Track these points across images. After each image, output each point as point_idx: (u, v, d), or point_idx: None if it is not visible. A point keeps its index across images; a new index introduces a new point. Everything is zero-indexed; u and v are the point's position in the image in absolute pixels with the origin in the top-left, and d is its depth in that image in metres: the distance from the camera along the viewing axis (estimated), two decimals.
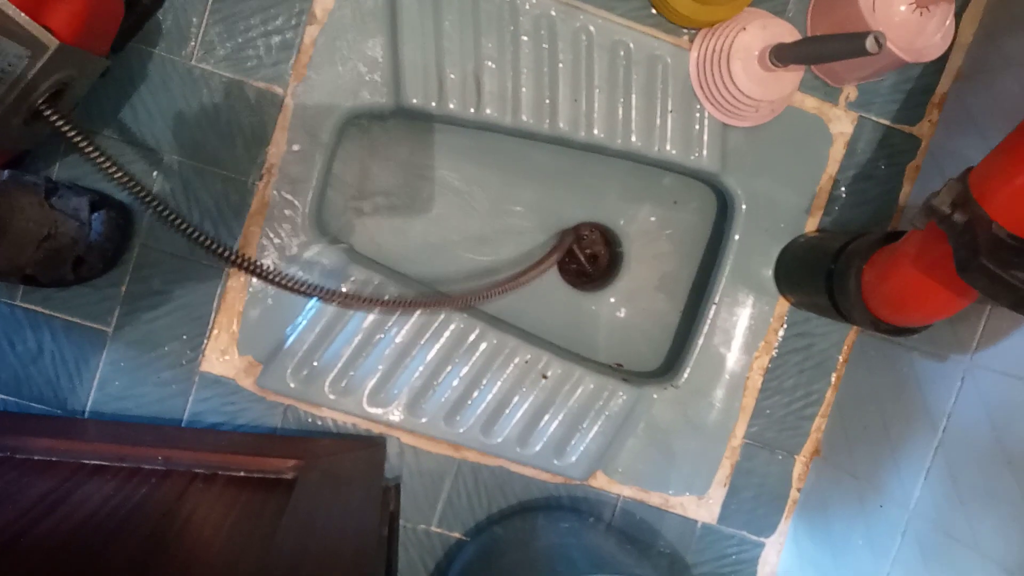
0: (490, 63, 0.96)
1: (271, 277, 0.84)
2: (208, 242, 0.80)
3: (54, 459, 0.81)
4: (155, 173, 0.92)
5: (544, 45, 0.97)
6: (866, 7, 0.90)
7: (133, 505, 0.76)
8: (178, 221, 0.78)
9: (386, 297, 0.95)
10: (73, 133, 0.70)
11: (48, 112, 0.70)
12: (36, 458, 0.81)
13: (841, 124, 1.03)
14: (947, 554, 0.81)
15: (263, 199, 0.94)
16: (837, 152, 1.04)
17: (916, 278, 0.78)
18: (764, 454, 1.06)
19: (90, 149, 0.71)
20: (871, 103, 1.03)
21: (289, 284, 0.85)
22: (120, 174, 0.73)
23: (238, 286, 0.94)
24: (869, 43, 0.77)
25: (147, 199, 0.76)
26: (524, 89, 0.97)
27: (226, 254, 0.81)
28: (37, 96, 0.69)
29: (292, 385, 0.95)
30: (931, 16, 0.92)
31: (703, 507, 1.06)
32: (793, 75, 0.95)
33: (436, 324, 0.98)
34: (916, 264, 0.77)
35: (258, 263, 0.83)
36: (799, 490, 1.07)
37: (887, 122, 1.04)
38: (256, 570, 0.68)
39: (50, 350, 0.93)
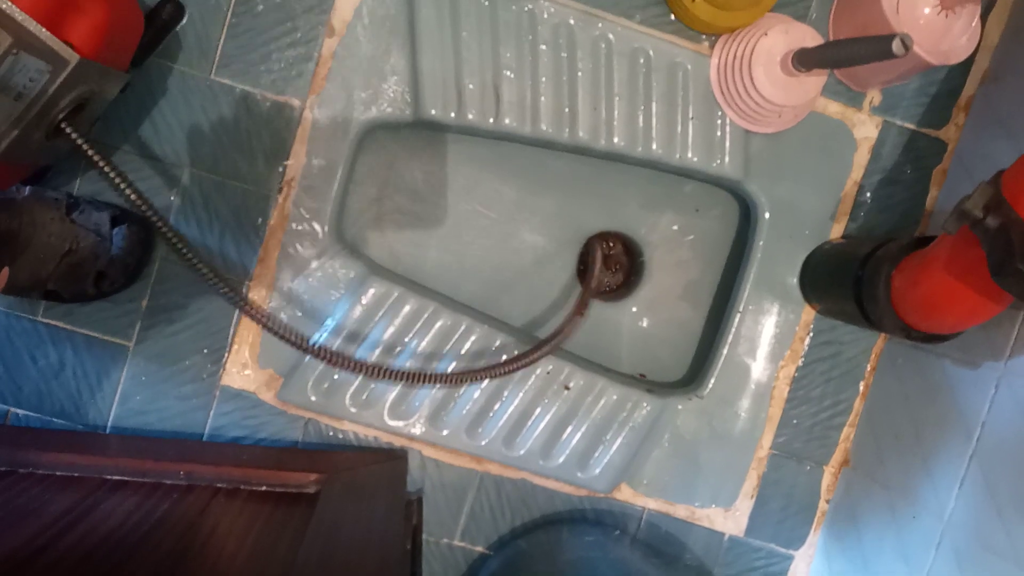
0: (509, 72, 0.95)
1: (269, 325, 0.83)
2: (213, 279, 0.79)
3: (76, 474, 0.81)
4: (175, 187, 0.92)
5: (563, 54, 0.96)
6: (890, 9, 0.89)
7: (155, 520, 0.76)
8: (188, 255, 0.78)
9: (412, 369, 0.92)
10: (91, 151, 0.70)
11: (68, 128, 0.70)
12: (58, 473, 0.80)
13: (865, 129, 1.02)
14: (985, 566, 0.79)
15: (283, 212, 0.94)
16: (862, 157, 1.02)
17: (948, 283, 0.76)
18: (792, 465, 1.04)
19: (107, 169, 0.70)
20: (896, 107, 1.02)
21: (288, 336, 0.83)
22: (135, 196, 0.72)
23: (258, 300, 0.94)
24: (895, 45, 0.76)
25: (160, 226, 0.75)
26: (543, 98, 0.96)
27: (229, 294, 0.80)
28: (58, 111, 0.69)
29: (313, 398, 0.95)
30: (957, 18, 0.90)
31: (730, 519, 1.04)
32: (816, 80, 0.94)
33: (457, 336, 0.97)
34: (948, 269, 0.76)
35: (259, 310, 0.82)
36: (828, 501, 1.05)
37: (912, 126, 1.02)
38: None
39: (72, 365, 0.93)
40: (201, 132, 0.92)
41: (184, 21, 0.90)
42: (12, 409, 0.93)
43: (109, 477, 0.81)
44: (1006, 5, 1.00)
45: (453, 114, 0.95)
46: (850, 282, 0.90)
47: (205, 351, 0.94)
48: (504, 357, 0.97)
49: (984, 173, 0.71)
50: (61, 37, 0.65)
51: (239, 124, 0.93)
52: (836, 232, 1.03)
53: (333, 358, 0.85)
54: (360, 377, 0.95)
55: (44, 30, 0.63)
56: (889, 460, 0.97)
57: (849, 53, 0.85)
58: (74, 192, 0.91)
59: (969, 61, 0.99)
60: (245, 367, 0.95)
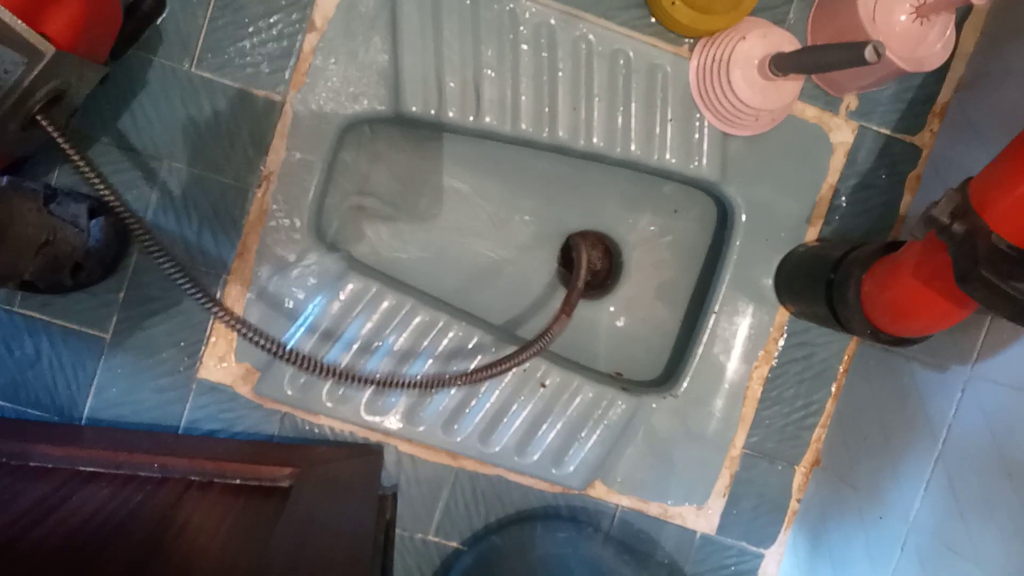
0: (490, 71, 0.96)
1: (243, 331, 0.78)
2: (188, 286, 0.75)
3: (49, 465, 0.81)
4: (153, 180, 0.92)
5: (544, 53, 0.97)
6: (866, 16, 0.90)
7: (128, 512, 0.76)
8: (161, 256, 0.74)
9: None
10: (66, 145, 0.70)
11: (43, 121, 0.70)
12: (32, 464, 0.80)
13: (842, 133, 1.03)
14: (947, 567, 0.81)
15: (262, 206, 0.94)
16: (838, 161, 1.03)
17: (916, 288, 0.77)
18: (764, 464, 1.06)
19: (81, 164, 0.70)
20: (872, 112, 1.03)
21: (264, 344, 0.78)
22: (107, 192, 0.71)
23: (236, 293, 0.94)
24: (868, 53, 0.77)
25: (133, 223, 0.73)
26: (524, 97, 0.97)
27: (204, 301, 0.76)
28: (34, 103, 0.69)
29: (289, 392, 0.95)
30: (932, 25, 0.92)
31: (702, 517, 1.05)
32: (793, 84, 0.95)
33: (434, 332, 0.98)
34: (916, 274, 0.77)
35: (235, 317, 0.77)
36: (799, 500, 1.07)
37: (888, 131, 1.04)
38: None
39: (48, 356, 0.93)
40: (180, 125, 0.92)
41: (165, 14, 0.90)
42: None
43: (83, 468, 0.81)
44: (980, 14, 1.01)
45: (433, 111, 0.96)
46: (823, 285, 0.92)
47: (182, 344, 0.95)
48: (480, 358, 0.98)
49: (956, 179, 0.72)
50: (37, 29, 0.65)
51: (219, 118, 0.93)
52: (811, 235, 1.04)
53: (307, 363, 0.81)
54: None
55: (19, 22, 0.63)
56: (858, 461, 0.99)
57: (824, 59, 0.86)
58: (52, 183, 0.90)
59: (944, 68, 1.00)
60: (222, 360, 0.95)
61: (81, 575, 0.66)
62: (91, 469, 0.82)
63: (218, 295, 0.94)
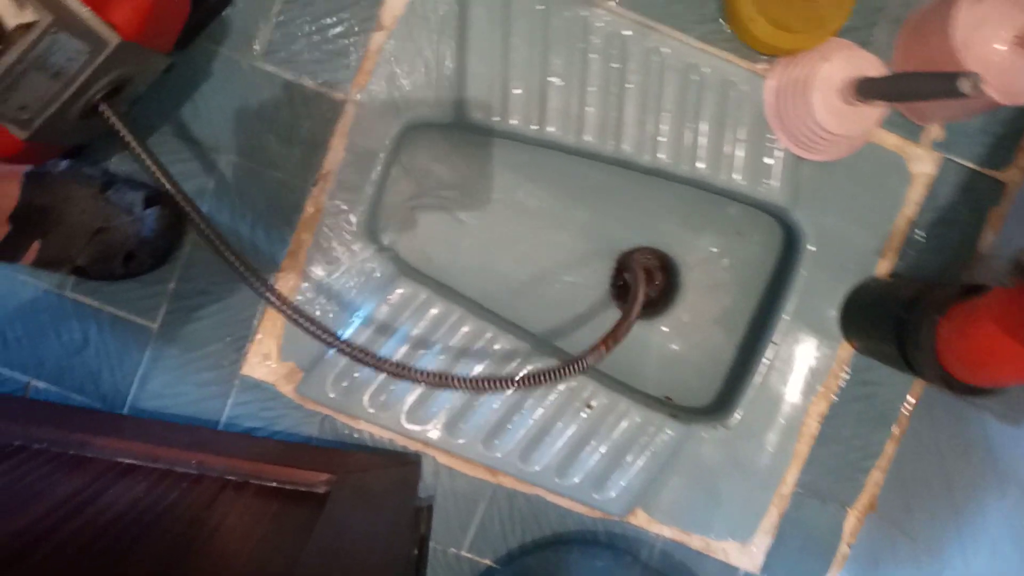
0: (557, 80, 0.93)
1: (299, 320, 0.78)
2: (243, 270, 0.76)
3: (88, 455, 0.80)
4: (211, 172, 0.92)
5: (614, 64, 0.93)
6: (959, 44, 0.85)
7: (162, 509, 0.75)
8: (217, 243, 0.75)
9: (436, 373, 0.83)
10: (127, 135, 0.69)
11: (104, 111, 0.69)
12: (71, 453, 0.80)
13: (922, 164, 0.98)
14: None
15: (316, 205, 0.93)
16: (916, 193, 0.98)
17: (998, 338, 0.72)
18: (815, 504, 1.01)
19: (142, 153, 0.69)
20: (956, 144, 0.97)
21: (317, 332, 0.78)
22: (168, 182, 0.71)
23: (285, 291, 0.93)
24: (963, 85, 0.72)
25: (190, 213, 0.73)
26: (590, 108, 0.94)
27: (258, 286, 0.76)
28: (96, 92, 0.68)
29: (332, 395, 0.93)
30: None
31: (746, 554, 1.01)
32: (876, 111, 0.90)
33: (481, 343, 0.95)
34: (1000, 323, 0.72)
35: (289, 303, 0.77)
36: (850, 545, 1.02)
37: (973, 165, 0.98)
38: None
39: (95, 342, 0.93)
40: (241, 119, 0.91)
41: (233, 5, 0.89)
42: (33, 381, 0.93)
43: (121, 460, 0.81)
44: None
45: (496, 118, 0.93)
46: (893, 324, 0.87)
47: (228, 339, 0.94)
48: (527, 369, 0.95)
49: None
50: (103, 17, 0.64)
51: (279, 113, 0.92)
52: (882, 268, 0.99)
53: (360, 355, 0.80)
54: (380, 378, 0.93)
55: (87, 9, 0.62)
56: (917, 510, 0.93)
57: (914, 88, 0.81)
58: (110, 169, 0.90)
59: None
60: (267, 358, 0.94)
61: (112, 572, 0.65)
62: (129, 461, 0.81)
63: None
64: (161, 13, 0.70)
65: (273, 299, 0.77)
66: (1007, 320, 0.71)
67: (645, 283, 0.98)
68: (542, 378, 0.82)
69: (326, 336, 0.78)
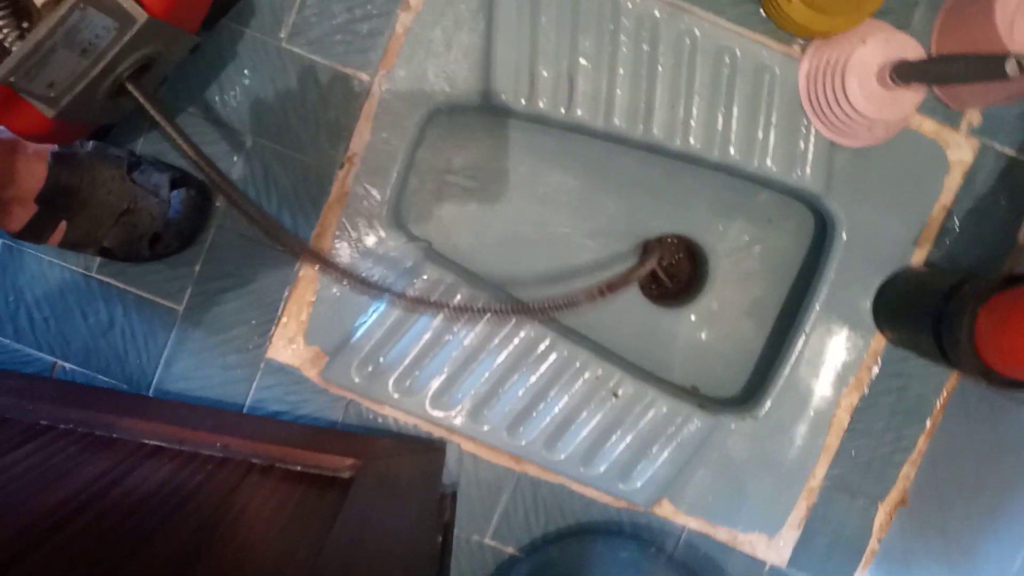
0: (586, 62, 0.91)
1: (340, 270, 0.82)
2: (279, 233, 0.78)
3: (114, 436, 0.80)
4: (237, 154, 0.91)
5: (644, 47, 0.92)
6: (1004, 25, 0.82)
7: (188, 492, 0.75)
8: (251, 211, 0.75)
9: (457, 299, 0.91)
10: (154, 112, 0.69)
11: (131, 87, 0.69)
12: (97, 433, 0.80)
13: (960, 151, 0.95)
14: None
15: (343, 188, 0.92)
16: (953, 181, 0.96)
17: None
18: (844, 499, 0.99)
19: (170, 130, 0.69)
20: (997, 130, 0.95)
21: (365, 282, 0.84)
22: (197, 157, 0.71)
23: (310, 276, 0.92)
24: (1010, 67, 0.69)
25: (226, 188, 0.73)
26: (619, 92, 0.92)
27: (293, 247, 0.82)
28: (123, 70, 0.67)
29: (356, 380, 0.93)
30: None
31: (773, 548, 0.99)
32: (913, 95, 0.88)
33: (506, 330, 0.94)
34: None
35: (325, 259, 0.83)
36: (880, 541, 1.00)
37: (1012, 152, 0.95)
38: (307, 571, 0.66)
39: (121, 324, 0.93)
40: (267, 100, 0.91)
41: None
42: (59, 362, 0.93)
43: (147, 442, 0.81)
44: None
45: (524, 101, 0.92)
46: (930, 315, 0.85)
47: (253, 322, 0.93)
48: (553, 356, 0.94)
49: None
50: None
51: (306, 95, 0.91)
52: (917, 258, 0.97)
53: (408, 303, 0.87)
54: (406, 363, 0.92)
55: None
56: (950, 507, 0.91)
57: (955, 71, 0.79)
58: (136, 151, 0.90)
59: None
60: (292, 342, 0.94)
61: (136, 554, 0.65)
62: (155, 443, 0.81)
63: (292, 277, 0.92)
64: None
65: (313, 255, 0.81)
66: None
67: (658, 256, 1.01)
68: (534, 308, 0.87)
69: (373, 288, 0.83)
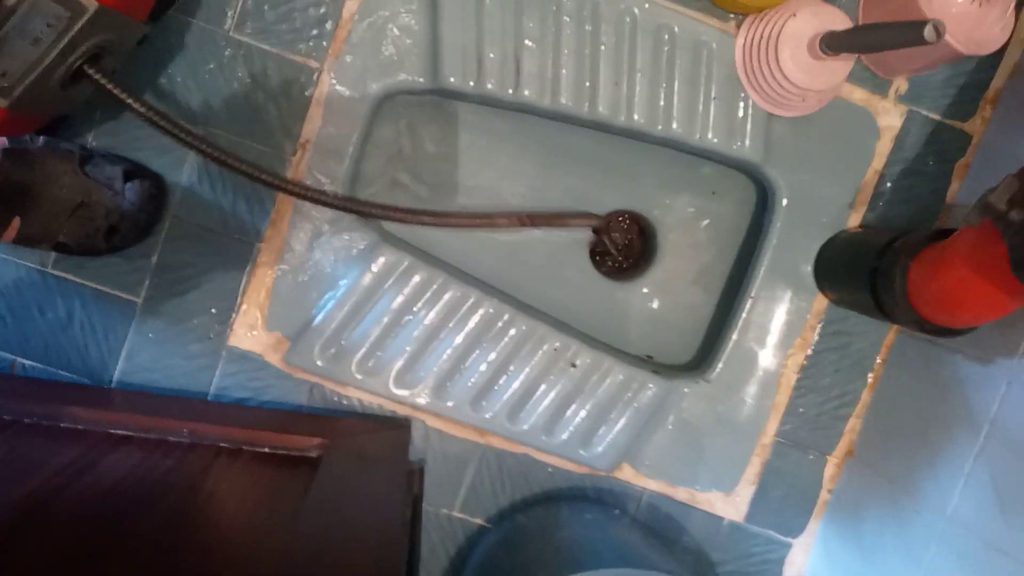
0: (531, 43, 0.94)
1: (311, 196, 0.86)
2: (261, 175, 0.82)
3: (80, 427, 0.81)
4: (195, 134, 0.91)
5: (587, 26, 0.95)
6: None
7: (158, 476, 0.76)
8: (231, 161, 0.80)
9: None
10: (115, 88, 0.70)
11: (90, 70, 0.70)
12: (63, 425, 0.80)
13: (890, 117, 1.00)
14: (985, 562, 0.79)
15: (297, 173, 0.93)
16: (884, 146, 1.01)
17: (967, 277, 0.75)
18: (795, 453, 1.04)
19: (133, 101, 0.70)
20: (922, 96, 1.00)
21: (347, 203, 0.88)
22: (165, 121, 0.73)
23: (268, 261, 0.94)
24: (928, 32, 0.74)
25: (199, 145, 0.77)
26: (564, 71, 0.95)
27: (269, 181, 0.83)
28: (76, 58, 0.68)
29: (319, 363, 0.94)
30: (991, 7, 0.88)
31: (730, 504, 1.04)
32: (843, 65, 0.92)
33: (465, 307, 0.96)
34: (967, 263, 0.74)
35: (313, 188, 0.87)
36: (830, 491, 1.05)
37: (938, 117, 1.01)
38: (280, 548, 0.67)
39: (79, 318, 0.93)
40: (217, 90, 0.91)
41: None
42: (19, 360, 0.93)
43: (114, 431, 0.81)
44: None
45: (472, 83, 0.94)
46: (866, 272, 0.89)
47: (213, 311, 0.94)
48: (513, 331, 0.97)
49: (1007, 168, 0.69)
50: None
51: (256, 84, 0.92)
52: (854, 221, 1.02)
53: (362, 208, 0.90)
54: (368, 343, 0.94)
55: None
56: (894, 453, 0.97)
57: (879, 38, 0.83)
58: (88, 145, 0.90)
59: (1000, 53, 0.97)
60: (253, 328, 0.95)
61: (112, 538, 0.66)
62: (121, 432, 0.82)
63: (250, 263, 0.93)
64: None
65: (286, 186, 0.84)
66: (973, 259, 0.74)
67: (600, 221, 1.09)
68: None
69: (336, 201, 0.87)
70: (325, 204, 0.86)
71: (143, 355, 0.94)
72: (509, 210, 1.08)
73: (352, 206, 0.88)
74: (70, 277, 0.92)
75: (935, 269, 0.80)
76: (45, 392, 0.89)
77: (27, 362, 0.93)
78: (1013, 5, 0.89)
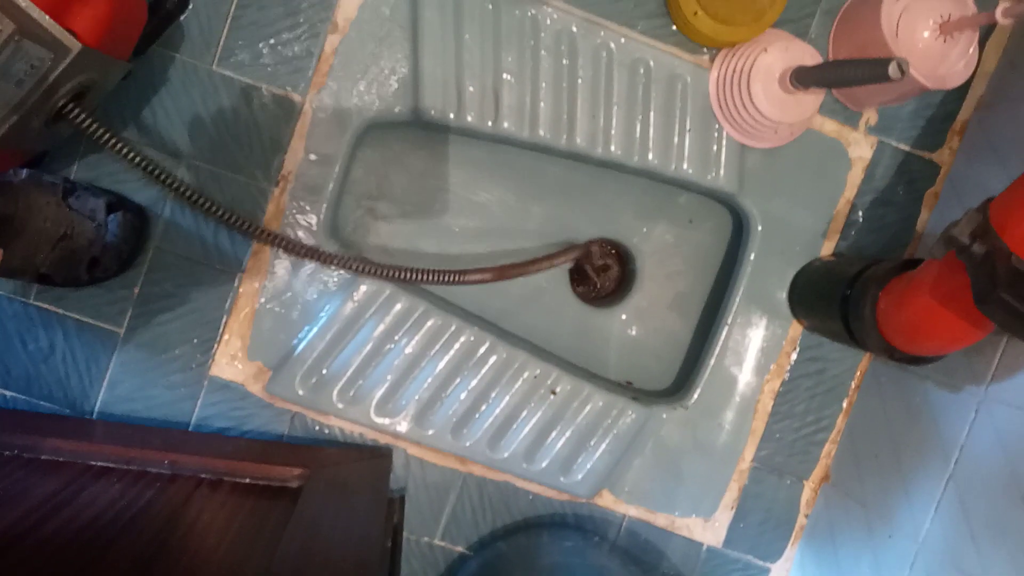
0: (509, 77, 0.96)
1: (299, 250, 0.89)
2: (237, 222, 0.85)
3: (61, 459, 0.81)
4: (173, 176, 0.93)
5: (564, 60, 0.97)
6: (889, 32, 0.90)
7: (138, 509, 0.76)
8: (206, 204, 0.83)
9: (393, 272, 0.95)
10: (97, 130, 0.71)
11: (72, 111, 0.71)
12: (43, 457, 0.81)
13: (860, 148, 1.03)
14: None
15: (279, 206, 0.94)
16: (855, 176, 1.03)
17: (932, 307, 0.77)
18: (772, 478, 1.05)
19: (114, 142, 0.72)
20: (891, 128, 1.03)
21: (316, 255, 0.92)
22: (145, 163, 0.75)
23: (250, 292, 0.94)
24: (892, 69, 0.76)
25: (174, 185, 0.80)
26: (542, 104, 0.97)
27: (253, 230, 0.87)
28: (59, 98, 0.69)
29: (300, 392, 0.95)
30: (955, 43, 0.91)
31: (709, 530, 1.05)
32: (813, 98, 0.95)
33: (446, 336, 0.98)
34: (933, 293, 0.77)
35: (285, 237, 0.91)
36: (807, 516, 1.06)
37: (907, 148, 1.03)
38: None
39: (62, 349, 0.93)
40: (200, 123, 0.93)
41: (188, 11, 0.91)
42: (0, 391, 0.93)
43: (94, 463, 0.82)
44: (1004, 33, 1.01)
45: (452, 115, 0.96)
46: (838, 300, 0.91)
47: (195, 341, 0.95)
48: (493, 359, 0.98)
49: (975, 198, 0.72)
50: (64, 25, 0.65)
51: (238, 116, 0.93)
52: (827, 249, 1.04)
53: (346, 263, 0.92)
54: (349, 373, 0.95)
55: (47, 18, 0.63)
56: (868, 479, 0.98)
57: (846, 74, 0.85)
58: (71, 177, 0.91)
59: (965, 86, 1.00)
60: (234, 358, 0.96)
61: (92, 571, 0.66)
62: (102, 464, 0.82)
63: (232, 294, 0.94)
64: (120, 20, 0.72)
65: (265, 236, 0.88)
66: (938, 290, 0.76)
67: (575, 254, 1.10)
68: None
69: (314, 255, 0.91)
70: (294, 253, 0.90)
71: (125, 385, 0.94)
72: (488, 248, 1.10)
73: (320, 256, 0.92)
74: (52, 308, 0.92)
75: (903, 299, 0.82)
76: (27, 423, 0.89)
77: (8, 393, 0.93)
78: (976, 41, 0.92)
